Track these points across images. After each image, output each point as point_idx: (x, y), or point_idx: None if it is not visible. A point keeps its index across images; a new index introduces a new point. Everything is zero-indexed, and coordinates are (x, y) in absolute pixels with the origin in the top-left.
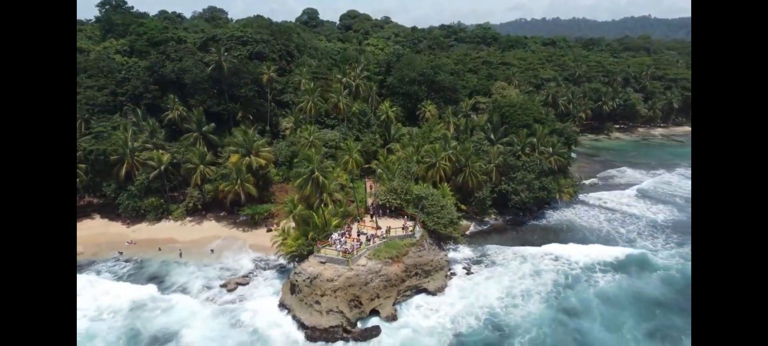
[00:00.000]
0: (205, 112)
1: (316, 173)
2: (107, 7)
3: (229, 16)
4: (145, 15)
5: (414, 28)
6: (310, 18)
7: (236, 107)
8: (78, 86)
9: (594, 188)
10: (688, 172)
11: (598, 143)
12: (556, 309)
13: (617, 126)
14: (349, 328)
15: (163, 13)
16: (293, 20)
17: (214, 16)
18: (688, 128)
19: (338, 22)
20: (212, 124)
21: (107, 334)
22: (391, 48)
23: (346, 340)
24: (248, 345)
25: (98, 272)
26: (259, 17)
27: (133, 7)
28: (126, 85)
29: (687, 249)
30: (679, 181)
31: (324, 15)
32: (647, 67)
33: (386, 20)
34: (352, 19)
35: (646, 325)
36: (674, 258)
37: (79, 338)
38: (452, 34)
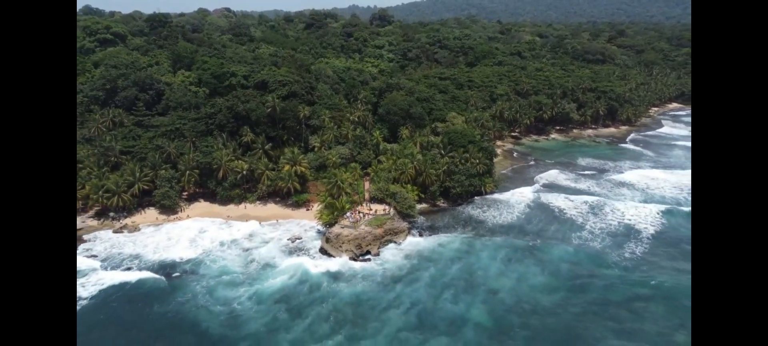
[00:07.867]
0: (265, 136)
1: (338, 182)
2: (152, 21)
3: (242, 10)
4: (181, 24)
5: (405, 36)
6: (313, 19)
7: (283, 132)
8: (184, 118)
9: (512, 181)
10: (584, 166)
11: (536, 144)
12: (465, 252)
13: (556, 129)
14: (355, 258)
15: (205, 41)
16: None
17: (240, 31)
18: (613, 129)
19: (342, 27)
20: (270, 144)
21: (234, 261)
22: (385, 64)
23: (355, 262)
24: (310, 262)
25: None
26: (277, 33)
27: (171, 18)
28: (214, 118)
29: (552, 213)
30: (576, 176)
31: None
32: (584, 80)
33: (382, 14)
34: (353, 26)
35: (507, 259)
36: (540, 223)
37: (225, 271)
38: (437, 42)
